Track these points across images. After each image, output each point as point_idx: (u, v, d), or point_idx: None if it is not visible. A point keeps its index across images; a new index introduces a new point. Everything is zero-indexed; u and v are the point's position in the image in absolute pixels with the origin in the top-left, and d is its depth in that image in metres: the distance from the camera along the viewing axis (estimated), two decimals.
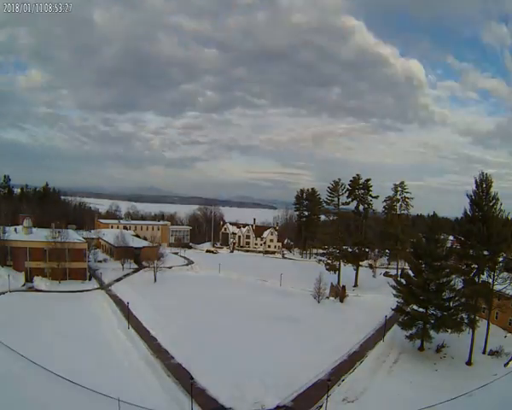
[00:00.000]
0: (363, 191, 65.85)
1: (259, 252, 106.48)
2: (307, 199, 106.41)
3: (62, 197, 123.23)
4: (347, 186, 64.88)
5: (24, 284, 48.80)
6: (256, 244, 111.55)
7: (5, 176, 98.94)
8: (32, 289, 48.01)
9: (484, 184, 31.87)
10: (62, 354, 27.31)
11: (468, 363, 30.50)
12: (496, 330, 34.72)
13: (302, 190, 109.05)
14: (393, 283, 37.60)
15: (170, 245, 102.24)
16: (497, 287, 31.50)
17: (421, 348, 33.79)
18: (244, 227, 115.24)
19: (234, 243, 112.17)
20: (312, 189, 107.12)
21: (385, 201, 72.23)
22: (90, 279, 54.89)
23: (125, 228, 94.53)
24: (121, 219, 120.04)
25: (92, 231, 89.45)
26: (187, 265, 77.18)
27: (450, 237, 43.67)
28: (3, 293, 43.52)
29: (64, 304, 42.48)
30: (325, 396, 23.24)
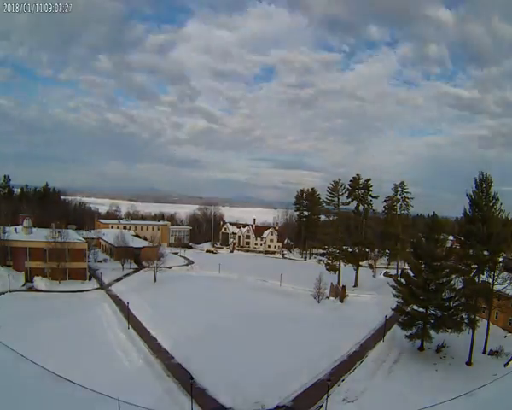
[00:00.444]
0: (363, 191, 65.85)
1: (259, 252, 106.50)
2: (307, 199, 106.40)
3: (62, 197, 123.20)
4: (347, 186, 64.90)
5: (24, 284, 48.84)
6: (256, 244, 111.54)
7: (5, 176, 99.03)
8: (32, 289, 48.06)
9: (484, 184, 31.85)
10: (62, 354, 27.31)
11: (468, 363, 30.48)
12: (496, 330, 34.70)
13: (302, 190, 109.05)
14: (393, 283, 37.56)
15: (170, 245, 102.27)
16: (497, 287, 31.45)
17: (421, 348, 33.78)
18: (244, 227, 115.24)
19: (234, 243, 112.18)
20: (312, 189, 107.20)
21: (385, 201, 72.32)
22: (90, 279, 54.93)
23: (124, 228, 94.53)
24: (121, 219, 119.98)
25: (92, 231, 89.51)
26: (187, 265, 77.26)
27: (450, 237, 43.64)
28: (3, 293, 43.57)
29: (64, 304, 42.50)
30: (325, 396, 23.24)
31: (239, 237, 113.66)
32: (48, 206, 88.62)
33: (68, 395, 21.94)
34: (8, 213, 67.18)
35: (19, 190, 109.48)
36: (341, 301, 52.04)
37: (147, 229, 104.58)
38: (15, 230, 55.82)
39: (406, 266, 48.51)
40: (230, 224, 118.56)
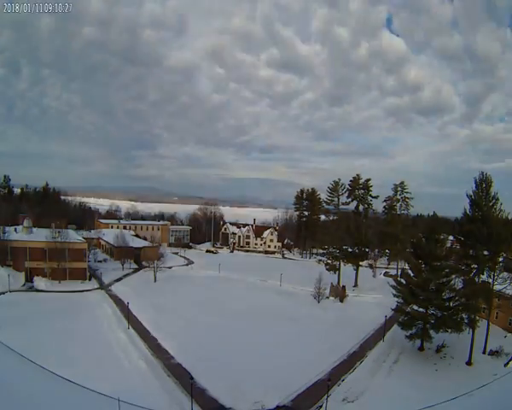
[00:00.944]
0: (363, 191, 65.83)
1: (259, 252, 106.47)
2: (307, 199, 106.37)
3: (62, 197, 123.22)
4: (347, 186, 64.89)
5: (24, 284, 48.83)
6: (256, 244, 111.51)
7: (5, 176, 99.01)
8: (32, 289, 48.04)
9: (484, 184, 31.86)
10: (62, 354, 27.28)
11: (468, 363, 30.49)
12: (496, 331, 34.69)
13: (302, 190, 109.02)
14: (393, 283, 37.58)
15: (170, 245, 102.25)
16: (497, 287, 31.48)
17: (421, 348, 33.79)
18: (244, 227, 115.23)
19: (234, 243, 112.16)
20: (312, 189, 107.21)
21: (385, 201, 72.28)
22: (90, 279, 54.92)
23: (124, 228, 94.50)
24: (121, 219, 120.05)
25: (92, 231, 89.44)
26: (187, 265, 77.23)
27: (450, 237, 43.63)
28: (3, 293, 43.56)
29: (64, 304, 42.47)
30: (325, 396, 23.25)
31: (239, 237, 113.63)
32: (48, 206, 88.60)
33: (68, 395, 21.93)
34: (8, 213, 67.16)
35: (19, 190, 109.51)
36: (341, 301, 52.04)
37: (147, 229, 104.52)
38: (15, 230, 55.81)
39: (406, 266, 48.51)
40: (230, 224, 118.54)
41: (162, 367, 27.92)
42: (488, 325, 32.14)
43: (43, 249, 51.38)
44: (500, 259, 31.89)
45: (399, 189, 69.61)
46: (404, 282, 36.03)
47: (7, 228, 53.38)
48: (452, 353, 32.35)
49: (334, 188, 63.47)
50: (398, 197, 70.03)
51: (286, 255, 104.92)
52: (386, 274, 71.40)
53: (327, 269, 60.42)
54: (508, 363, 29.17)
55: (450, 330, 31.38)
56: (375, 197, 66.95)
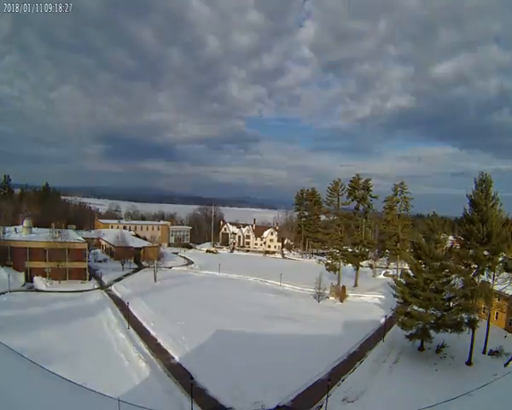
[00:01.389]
0: (363, 191, 65.78)
1: (259, 252, 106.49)
2: (307, 199, 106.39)
3: (62, 197, 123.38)
4: (347, 186, 64.87)
5: (24, 284, 48.84)
6: (256, 244, 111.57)
7: (5, 176, 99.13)
8: (31, 289, 48.04)
9: (483, 184, 31.83)
10: (62, 354, 27.29)
11: (468, 363, 30.48)
12: (496, 331, 34.70)
13: (302, 190, 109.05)
14: (393, 283, 37.57)
15: (170, 245, 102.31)
16: (497, 287, 31.47)
17: (421, 348, 33.79)
18: (244, 227, 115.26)
19: (234, 243, 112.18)
20: (312, 189, 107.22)
21: (385, 201, 72.24)
22: (90, 279, 54.92)
23: (124, 228, 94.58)
24: (121, 219, 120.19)
25: (92, 231, 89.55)
26: (187, 265, 77.25)
27: (450, 237, 43.66)
28: (3, 293, 43.55)
29: (64, 304, 42.46)
30: (325, 396, 23.25)
31: (239, 237, 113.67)
32: (48, 206, 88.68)
33: (68, 394, 21.95)
34: (8, 213, 67.20)
35: (19, 190, 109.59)
36: (341, 301, 52.06)
37: (147, 229, 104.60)
38: (15, 230, 55.87)
39: (406, 266, 48.50)
40: (230, 224, 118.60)
41: (162, 367, 27.91)
42: (488, 325, 32.13)
43: (43, 249, 51.38)
44: (500, 259, 31.85)
45: (399, 189, 69.60)
46: (404, 282, 36.02)
47: (7, 228, 53.43)
48: (452, 353, 32.34)
49: (334, 188, 63.39)
50: (398, 197, 70.02)
51: (286, 255, 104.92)
52: (386, 274, 71.42)
53: (327, 269, 60.40)
54: (508, 363, 29.16)
55: (450, 330, 31.33)
56: (375, 197, 66.90)
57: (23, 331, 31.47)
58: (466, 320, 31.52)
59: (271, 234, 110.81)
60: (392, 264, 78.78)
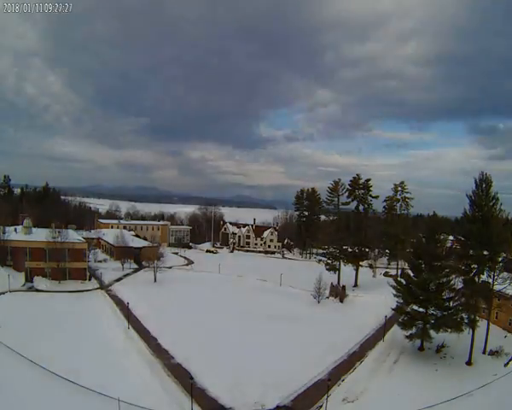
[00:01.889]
0: (363, 191, 65.82)
1: (259, 252, 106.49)
2: (307, 199, 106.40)
3: (62, 197, 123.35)
4: (347, 186, 64.90)
5: (24, 284, 48.79)
6: (256, 244, 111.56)
7: (5, 176, 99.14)
8: (32, 289, 47.99)
9: (484, 184, 31.83)
10: (62, 354, 27.29)
11: (468, 363, 30.48)
12: (496, 331, 34.70)
13: (302, 190, 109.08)
14: (393, 283, 37.57)
15: (170, 245, 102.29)
16: (497, 287, 31.46)
17: (421, 348, 33.79)
18: (244, 227, 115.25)
19: (234, 243, 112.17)
20: (312, 189, 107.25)
21: (385, 201, 72.29)
22: (90, 279, 54.88)
23: (124, 228, 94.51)
24: (121, 219, 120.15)
25: (92, 231, 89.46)
26: (187, 265, 77.24)
27: (450, 237, 43.63)
28: (3, 293, 43.49)
29: (64, 304, 42.45)
30: (325, 396, 23.25)
31: (239, 237, 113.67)
32: (48, 206, 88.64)
33: (68, 394, 21.96)
34: (8, 213, 67.15)
35: (19, 190, 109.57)
36: (341, 301, 52.04)
37: (147, 229, 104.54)
38: (15, 230, 55.78)
39: (406, 266, 48.49)
40: (230, 224, 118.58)
41: (162, 367, 27.91)
42: (488, 325, 32.12)
43: (43, 249, 51.30)
44: (500, 259, 31.87)
45: (399, 189, 69.63)
46: (404, 282, 36.01)
47: (7, 228, 53.36)
48: (452, 353, 32.34)
49: (334, 188, 63.47)
50: (398, 197, 70.05)
51: (286, 255, 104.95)
52: (386, 274, 71.40)
53: (327, 269, 60.43)
54: (508, 363, 29.15)
55: (450, 330, 31.38)
56: (375, 197, 66.97)
57: (23, 331, 31.45)
58: (466, 320, 31.55)
59: (271, 234, 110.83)
60: (392, 264, 78.76)
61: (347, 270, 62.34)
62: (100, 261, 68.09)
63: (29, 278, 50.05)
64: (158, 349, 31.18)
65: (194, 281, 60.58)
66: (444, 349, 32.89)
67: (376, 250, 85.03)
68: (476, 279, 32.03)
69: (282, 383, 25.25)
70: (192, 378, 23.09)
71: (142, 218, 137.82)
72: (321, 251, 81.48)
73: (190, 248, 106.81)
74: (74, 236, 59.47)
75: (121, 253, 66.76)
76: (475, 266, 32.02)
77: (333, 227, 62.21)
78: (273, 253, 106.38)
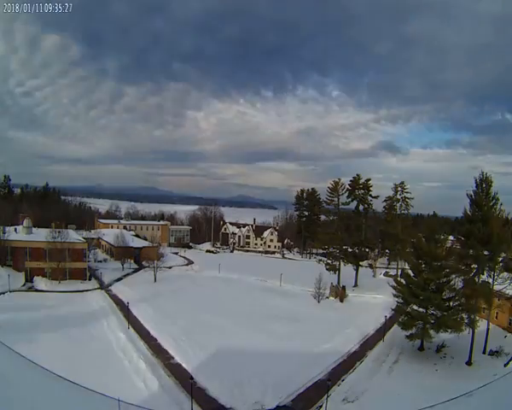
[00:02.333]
0: (363, 191, 65.75)
1: (259, 252, 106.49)
2: (307, 199, 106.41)
3: (62, 197, 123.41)
4: (347, 186, 64.84)
5: (24, 284, 48.82)
6: (256, 244, 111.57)
7: (5, 176, 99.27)
8: (31, 289, 48.03)
9: (484, 184, 31.84)
10: (62, 354, 27.29)
11: (468, 363, 30.47)
12: (496, 331, 34.67)
13: (302, 190, 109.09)
14: (393, 283, 37.56)
15: (170, 245, 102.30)
16: (497, 287, 31.45)
17: (421, 348, 33.78)
18: (244, 227, 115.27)
19: (234, 243, 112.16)
20: (312, 189, 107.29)
21: (385, 201, 72.25)
22: (90, 279, 54.90)
23: (124, 228, 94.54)
24: (121, 219, 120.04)
25: (92, 231, 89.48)
26: (187, 265, 77.24)
27: (451, 237, 43.63)
28: (3, 293, 43.53)
29: (64, 304, 42.46)
30: (325, 396, 23.23)
31: (239, 237, 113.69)
32: (48, 206, 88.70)
33: (68, 395, 21.94)
34: (8, 213, 67.14)
35: (19, 190, 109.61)
36: (341, 301, 52.06)
37: (147, 229, 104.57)
38: (15, 230, 55.81)
39: (406, 266, 48.51)
40: (230, 224, 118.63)
41: (162, 367, 27.89)
42: (488, 325, 32.11)
43: (43, 249, 51.34)
44: (500, 259, 31.85)
45: (399, 189, 69.60)
46: (404, 282, 36.00)
47: (7, 228, 53.36)
48: (452, 353, 32.33)
49: (334, 188, 63.35)
50: (398, 197, 70.02)
51: (286, 255, 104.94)
52: (386, 274, 71.35)
53: (327, 269, 60.37)
54: (508, 363, 29.14)
55: (450, 331, 31.33)
56: (375, 197, 66.86)
57: (23, 331, 31.47)
58: (466, 320, 31.54)
59: (271, 234, 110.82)
60: (392, 264, 78.74)
61: (347, 270, 62.28)
62: (100, 261, 68.12)
63: (29, 278, 50.09)
64: (158, 349, 31.17)
65: (194, 281, 60.63)
66: (444, 349, 32.88)
67: (376, 250, 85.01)
68: (476, 279, 32.03)
69: (282, 383, 25.23)
70: (192, 378, 23.06)
71: (142, 218, 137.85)
72: (321, 251, 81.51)
73: (190, 248, 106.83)
74: (74, 236, 59.51)
75: (121, 253, 66.77)
76: (475, 266, 32.02)
77: (333, 227, 62.16)
78: (273, 253, 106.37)
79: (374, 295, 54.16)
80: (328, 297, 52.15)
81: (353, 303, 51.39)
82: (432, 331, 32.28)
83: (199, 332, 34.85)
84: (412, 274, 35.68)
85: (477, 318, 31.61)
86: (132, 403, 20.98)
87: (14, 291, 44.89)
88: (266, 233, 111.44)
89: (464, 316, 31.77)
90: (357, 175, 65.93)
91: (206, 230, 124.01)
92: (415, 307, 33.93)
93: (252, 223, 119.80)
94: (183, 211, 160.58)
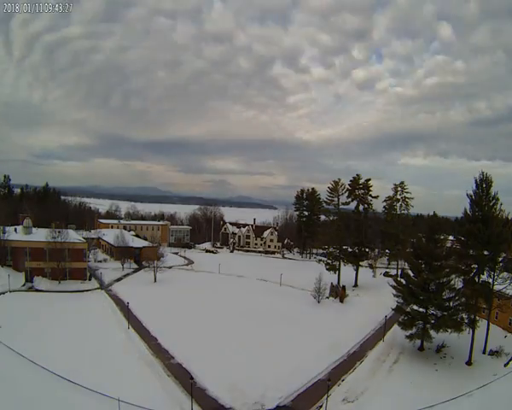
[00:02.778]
0: (363, 191, 65.77)
1: (259, 252, 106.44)
2: (307, 199, 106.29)
3: (62, 197, 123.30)
4: (347, 186, 64.84)
5: (24, 284, 48.77)
6: (256, 244, 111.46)
7: (5, 176, 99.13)
8: (31, 289, 47.98)
9: (484, 184, 31.83)
10: (62, 354, 27.31)
11: (468, 363, 30.49)
12: (496, 330, 34.70)
13: (302, 190, 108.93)
14: (393, 283, 37.58)
15: (170, 245, 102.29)
16: (497, 287, 31.46)
17: (421, 348, 33.79)
18: (244, 227, 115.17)
19: (234, 243, 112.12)
20: (313, 189, 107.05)
21: (385, 201, 72.24)
22: (90, 279, 54.85)
23: (124, 228, 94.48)
24: (121, 219, 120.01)
25: (92, 231, 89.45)
26: (187, 265, 77.23)
27: (450, 237, 43.61)
28: (3, 293, 43.51)
29: (64, 304, 42.47)
30: (325, 396, 23.26)
31: (239, 237, 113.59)
32: (48, 206, 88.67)
33: (68, 394, 21.95)
34: (9, 213, 67.14)
35: (19, 190, 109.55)
36: (341, 301, 52.04)
37: (147, 229, 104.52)
38: (15, 230, 55.78)
39: (406, 266, 48.51)
40: (230, 224, 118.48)
41: (162, 367, 27.90)
42: (488, 325, 32.12)
43: (43, 249, 51.26)
44: (500, 259, 31.85)
45: (399, 189, 69.61)
46: (404, 282, 36.02)
47: (7, 228, 53.35)
48: (452, 353, 32.35)
49: (334, 188, 63.38)
50: (398, 197, 70.03)
51: (286, 255, 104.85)
52: (386, 274, 71.31)
53: (327, 269, 60.40)
54: (508, 363, 29.16)
55: (450, 331, 31.37)
56: (375, 197, 66.88)
57: (23, 331, 31.50)
58: (466, 320, 31.57)
59: (271, 234, 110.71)
60: (392, 264, 78.74)
61: (347, 270, 62.31)
62: (100, 261, 68.11)
63: (29, 278, 50.03)
64: (158, 349, 31.17)
65: (195, 281, 60.63)
66: (444, 349, 32.91)
67: (376, 250, 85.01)
68: (476, 279, 32.04)
69: (282, 383, 25.26)
70: (192, 378, 23.08)
71: (142, 218, 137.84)
72: (321, 251, 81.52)
73: (190, 248, 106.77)
74: (74, 236, 59.45)
75: (121, 253, 66.74)
76: (475, 266, 32.03)
77: (333, 227, 62.17)
78: (273, 253, 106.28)
79: (374, 295, 54.17)
80: (328, 297, 52.14)
81: (353, 303, 51.38)
82: (432, 331, 32.32)
83: (199, 332, 34.86)
84: (412, 274, 35.70)
85: (477, 318, 31.61)
86: (132, 403, 21.00)
87: (14, 291, 44.87)
88: (266, 233, 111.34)
89: (464, 316, 31.80)
90: (357, 175, 66.00)
91: (206, 230, 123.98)
92: (415, 307, 33.98)
93: (252, 223, 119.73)
94: (183, 211, 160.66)
